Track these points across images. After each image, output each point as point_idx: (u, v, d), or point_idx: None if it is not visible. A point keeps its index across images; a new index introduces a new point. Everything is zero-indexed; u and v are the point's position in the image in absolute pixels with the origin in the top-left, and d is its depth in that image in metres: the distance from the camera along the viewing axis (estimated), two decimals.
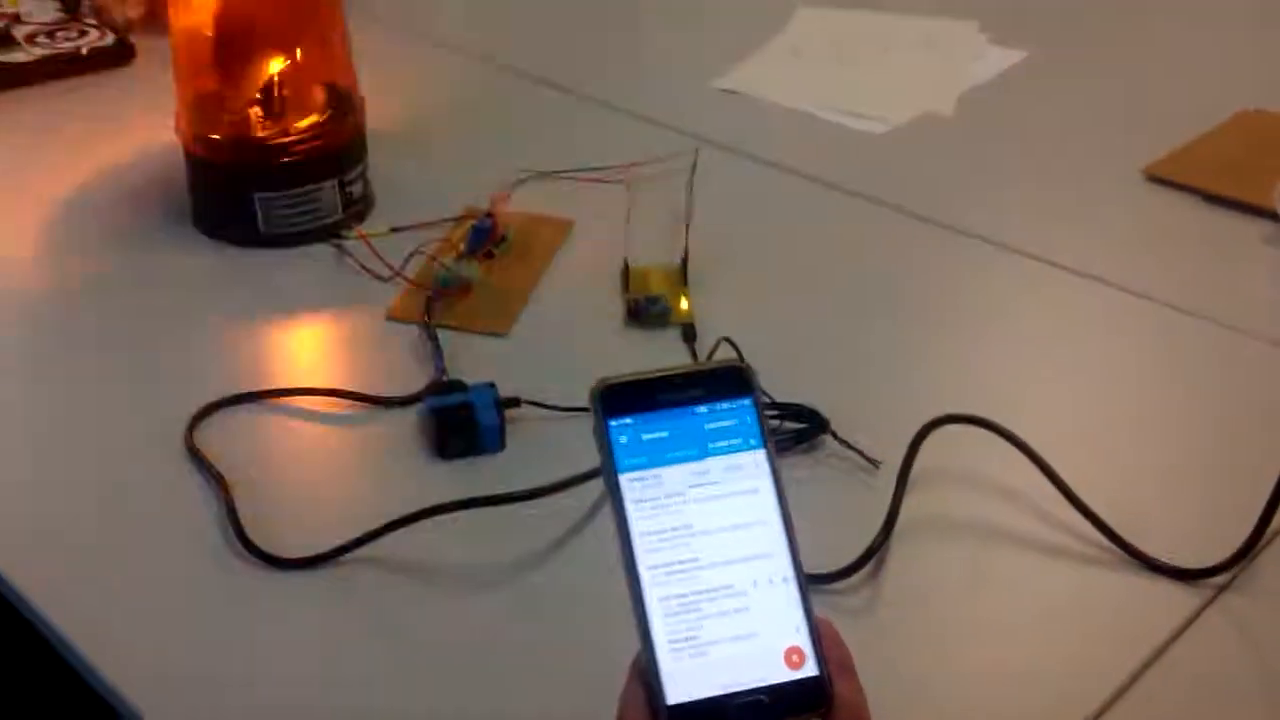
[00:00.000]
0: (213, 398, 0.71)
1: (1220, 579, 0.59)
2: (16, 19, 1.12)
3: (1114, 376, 0.74)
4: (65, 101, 1.05)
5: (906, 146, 0.99)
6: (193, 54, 0.86)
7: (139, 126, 0.98)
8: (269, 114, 0.85)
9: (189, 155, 0.87)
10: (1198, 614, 0.57)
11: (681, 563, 0.39)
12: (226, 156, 0.85)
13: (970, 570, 0.61)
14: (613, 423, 0.39)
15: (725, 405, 0.40)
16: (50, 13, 1.14)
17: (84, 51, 1.09)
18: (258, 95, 0.85)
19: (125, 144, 0.98)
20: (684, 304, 0.78)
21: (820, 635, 0.39)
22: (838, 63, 1.13)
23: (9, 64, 1.07)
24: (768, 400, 0.67)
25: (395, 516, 0.62)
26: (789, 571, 0.39)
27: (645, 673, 0.38)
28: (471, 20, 1.26)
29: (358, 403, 0.72)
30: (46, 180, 0.94)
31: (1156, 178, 0.92)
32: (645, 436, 0.39)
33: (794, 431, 0.66)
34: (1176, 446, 0.69)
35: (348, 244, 0.85)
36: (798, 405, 0.67)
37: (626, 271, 0.81)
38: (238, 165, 0.85)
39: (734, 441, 0.40)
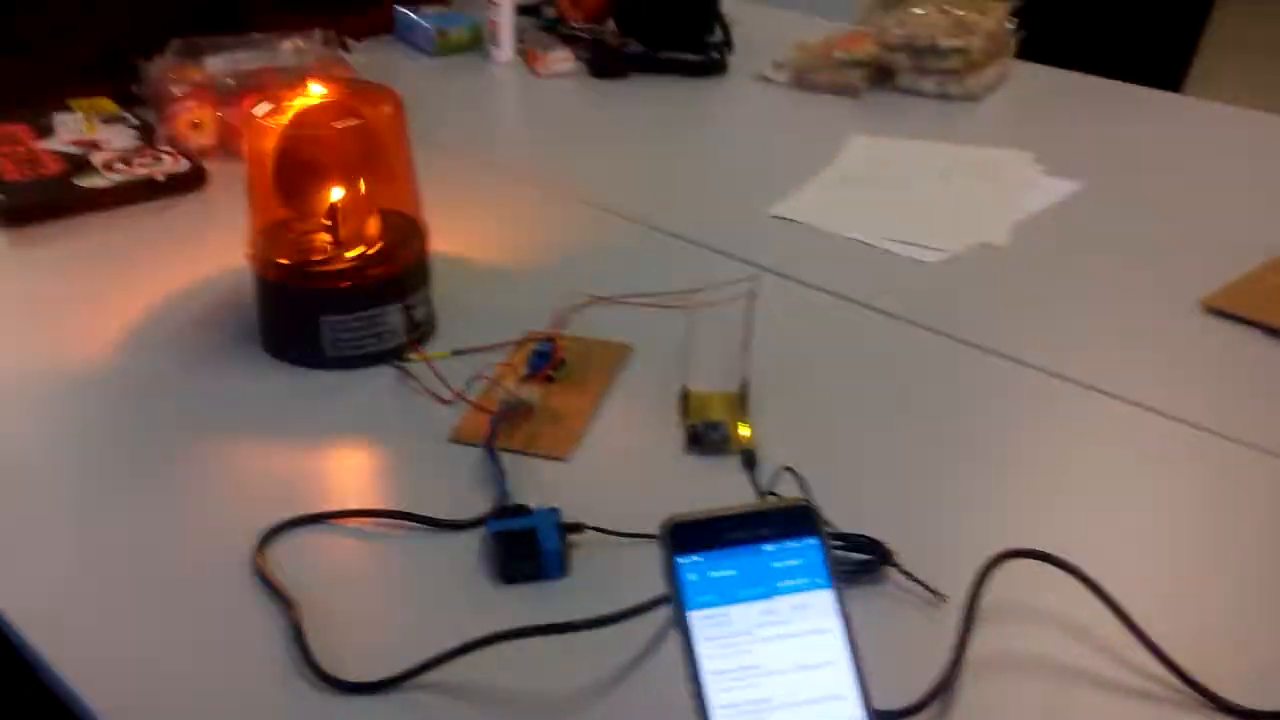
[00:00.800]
0: (279, 519, 0.74)
1: None
2: (95, 145, 1.19)
3: (1177, 510, 0.75)
4: (140, 225, 1.11)
5: (962, 275, 1.02)
6: (262, 182, 0.91)
7: (211, 250, 1.04)
8: (336, 240, 0.90)
9: (258, 279, 0.91)
10: None
11: (752, 703, 0.40)
12: (294, 281, 0.90)
13: (1040, 710, 0.61)
14: (682, 560, 0.41)
15: (792, 544, 0.42)
16: (127, 139, 1.21)
17: (159, 177, 1.15)
18: (325, 222, 0.90)
19: (197, 267, 1.03)
20: (744, 430, 0.80)
21: None
22: (891, 191, 1.17)
23: (87, 189, 1.13)
24: (831, 532, 0.68)
25: (459, 642, 0.64)
26: (859, 714, 0.41)
27: None
28: (534, 149, 1.32)
29: (421, 525, 0.74)
30: (121, 302, 0.99)
31: (1214, 309, 0.94)
32: (714, 574, 0.41)
33: (857, 562, 0.68)
34: (1243, 583, 0.69)
35: (411, 367, 0.89)
36: (860, 536, 0.68)
37: (686, 397, 0.84)
38: (305, 289, 0.89)
39: (801, 581, 0.42)
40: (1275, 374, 0.87)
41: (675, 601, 0.41)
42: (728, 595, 0.41)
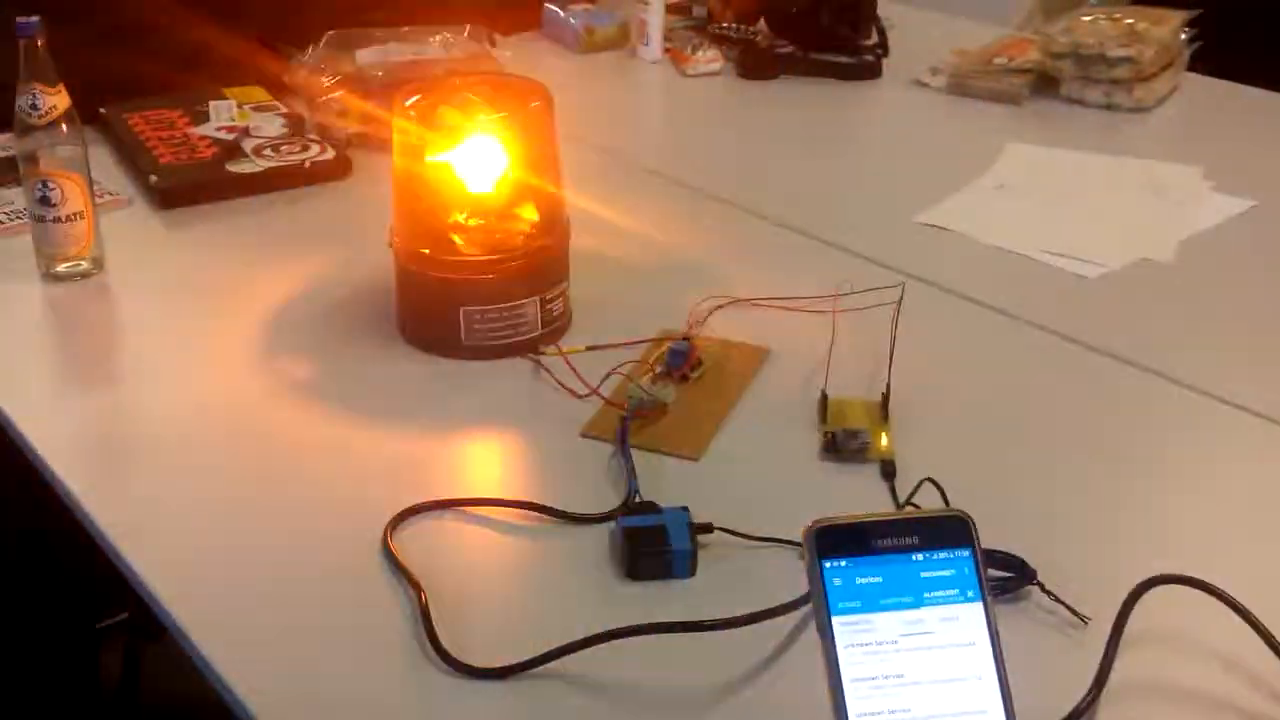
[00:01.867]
0: (411, 503, 0.76)
1: None
2: (246, 132, 1.25)
3: None
4: (288, 211, 1.17)
5: (1122, 291, 1.00)
6: (408, 173, 0.94)
7: (354, 237, 1.08)
8: (477, 232, 0.92)
9: (400, 266, 0.95)
10: None
11: (892, 712, 0.40)
12: (435, 270, 0.93)
13: None
14: (827, 564, 0.41)
15: (943, 554, 0.42)
16: (277, 128, 1.27)
17: (306, 164, 1.20)
18: (470, 215, 0.93)
19: (340, 253, 1.08)
20: (884, 440, 0.80)
21: None
22: (1047, 201, 1.15)
23: (238, 174, 1.19)
24: None
25: (583, 635, 0.65)
26: None
27: None
28: (678, 148, 1.34)
29: (550, 517, 0.76)
30: (267, 284, 1.04)
31: None
32: (860, 580, 0.41)
33: (999, 580, 0.67)
34: None
35: (546, 360, 0.91)
36: (1004, 553, 0.68)
37: (825, 403, 0.84)
38: (446, 281, 0.92)
39: (951, 592, 0.41)
40: None
41: (819, 605, 0.41)
42: (873, 602, 0.41)
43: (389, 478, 0.80)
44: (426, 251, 0.93)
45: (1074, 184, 1.18)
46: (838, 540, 0.41)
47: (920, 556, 0.42)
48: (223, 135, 1.25)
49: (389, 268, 0.96)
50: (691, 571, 0.71)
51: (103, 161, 1.21)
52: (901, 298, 0.91)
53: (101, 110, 1.29)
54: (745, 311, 0.97)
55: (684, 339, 0.91)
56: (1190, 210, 1.11)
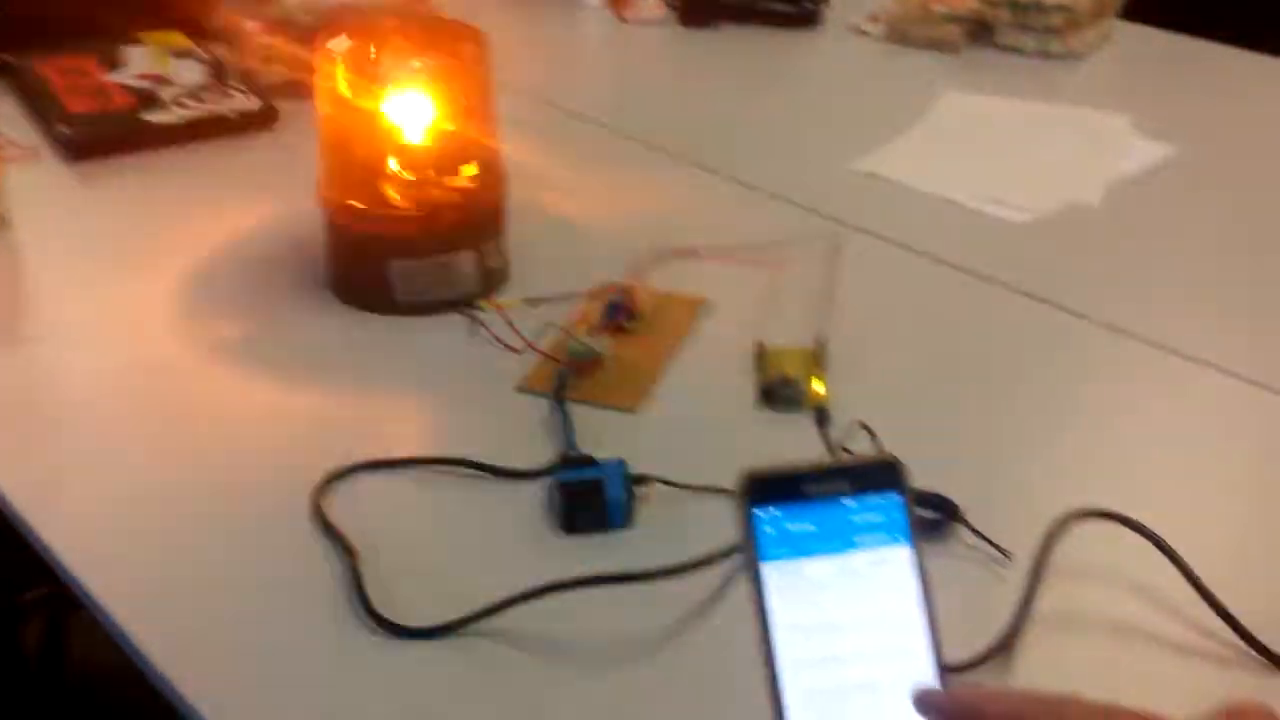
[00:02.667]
0: (342, 464, 0.77)
1: None
2: (165, 80, 1.23)
3: (1254, 474, 0.77)
4: (209, 164, 1.15)
5: (1050, 236, 1.03)
6: (336, 120, 0.93)
7: (280, 190, 1.07)
8: (409, 184, 0.92)
9: (328, 221, 0.94)
10: None
11: (822, 657, 0.41)
12: (365, 224, 0.92)
13: (1103, 668, 0.63)
14: (758, 512, 0.42)
15: (873, 499, 0.42)
16: (198, 75, 1.24)
17: (230, 114, 1.19)
18: (400, 164, 0.92)
19: (266, 207, 1.07)
20: (818, 388, 0.82)
21: None
22: (981, 149, 1.17)
23: (156, 124, 1.17)
24: None
25: (520, 590, 0.66)
26: (931, 671, 0.42)
27: None
28: (617, 97, 1.34)
29: (485, 474, 0.77)
30: (188, 241, 1.03)
31: None
32: (790, 527, 0.42)
33: (927, 520, 0.70)
34: None
35: (482, 315, 0.91)
36: (930, 493, 0.71)
37: (761, 353, 0.85)
38: (376, 234, 0.92)
39: (880, 536, 0.42)
40: None
41: (748, 554, 0.41)
42: (803, 549, 0.42)
43: (319, 439, 0.80)
44: (356, 204, 0.93)
45: (1007, 132, 1.20)
46: (768, 488, 0.42)
47: (851, 502, 0.42)
48: (139, 83, 1.22)
49: (318, 222, 0.95)
50: (629, 523, 0.72)
51: (7, 113, 1.19)
52: (838, 246, 0.92)
53: (5, 57, 1.26)
54: (683, 262, 0.98)
55: (621, 291, 0.92)
56: (1118, 157, 1.15)
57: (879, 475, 0.43)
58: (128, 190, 1.11)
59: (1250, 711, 0.38)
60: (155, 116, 1.18)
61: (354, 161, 0.94)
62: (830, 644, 0.41)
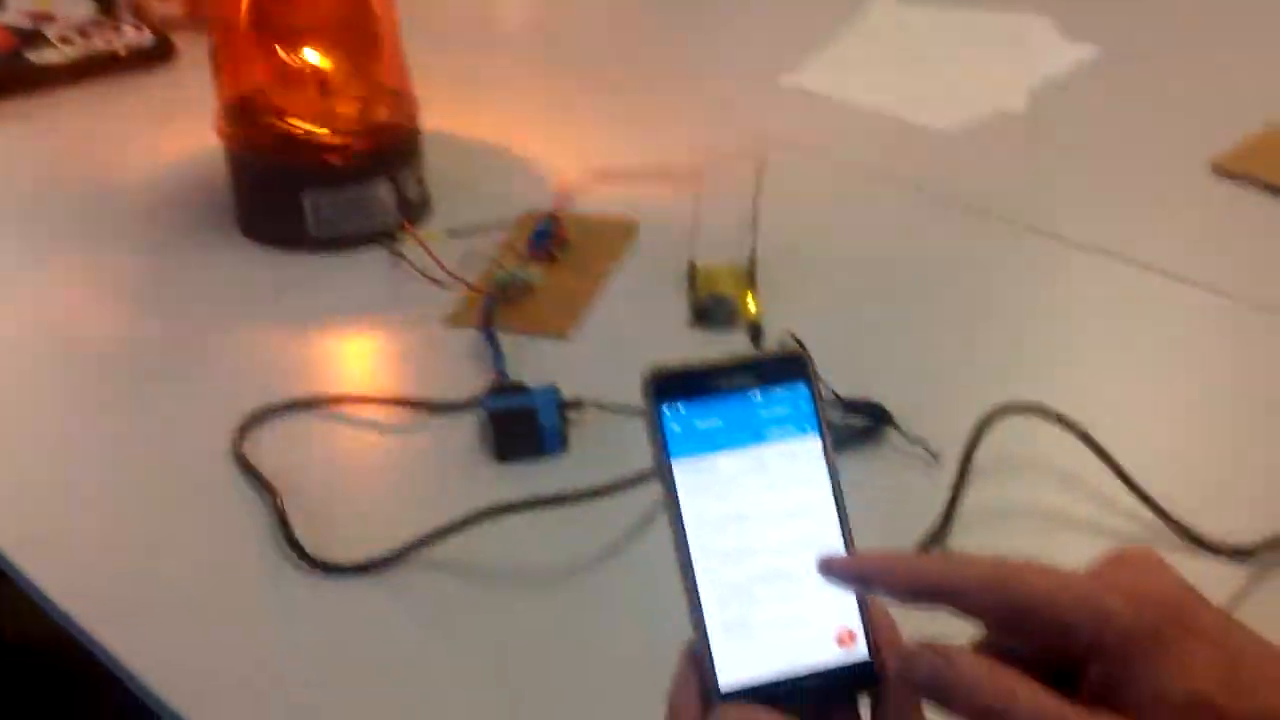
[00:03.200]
0: (262, 406, 0.75)
1: (1270, 556, 0.64)
2: (48, 17, 1.18)
3: (1176, 367, 0.79)
4: (102, 104, 1.11)
5: (977, 143, 1.04)
6: (233, 49, 0.90)
7: (180, 128, 1.03)
8: (316, 110, 0.89)
9: (232, 156, 0.91)
10: (1248, 589, 0.63)
11: (734, 550, 0.41)
12: (272, 156, 0.90)
13: (1029, 555, 0.63)
14: (666, 409, 0.42)
15: (781, 392, 0.42)
16: (85, 10, 1.20)
17: (121, 51, 1.15)
18: (304, 91, 0.90)
19: (166, 147, 1.03)
20: (751, 304, 0.81)
21: (871, 616, 0.41)
22: (908, 58, 1.17)
23: (43, 65, 1.12)
24: (832, 395, 0.71)
25: (453, 520, 0.65)
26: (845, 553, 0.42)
27: (697, 659, 0.40)
28: (532, 18, 1.31)
29: (415, 409, 0.75)
30: (83, 186, 0.99)
31: (1223, 171, 0.97)
32: (699, 424, 0.42)
33: (858, 427, 0.71)
34: (1234, 433, 0.74)
35: (403, 248, 0.89)
36: (862, 400, 0.72)
37: (693, 272, 0.85)
38: (284, 165, 0.89)
39: (789, 428, 0.42)
40: (1277, 233, 0.91)
41: (657, 451, 0.42)
42: (712, 444, 0.42)
43: (237, 382, 0.78)
44: (259, 136, 0.90)
45: (931, 39, 1.21)
46: (675, 385, 0.42)
47: (758, 396, 0.42)
48: (21, 22, 1.18)
49: (222, 160, 0.92)
50: (564, 448, 0.71)
51: None
52: (763, 159, 0.92)
53: None
54: (612, 185, 0.96)
55: (549, 217, 0.90)
56: (1040, 60, 1.15)
57: (786, 368, 0.43)
58: (16, 135, 1.07)
59: (1131, 555, 0.39)
60: (41, 57, 1.13)
61: (253, 92, 0.91)
62: (743, 537, 0.41)
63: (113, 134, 1.06)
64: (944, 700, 0.38)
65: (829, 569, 0.40)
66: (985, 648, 0.39)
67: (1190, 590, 0.38)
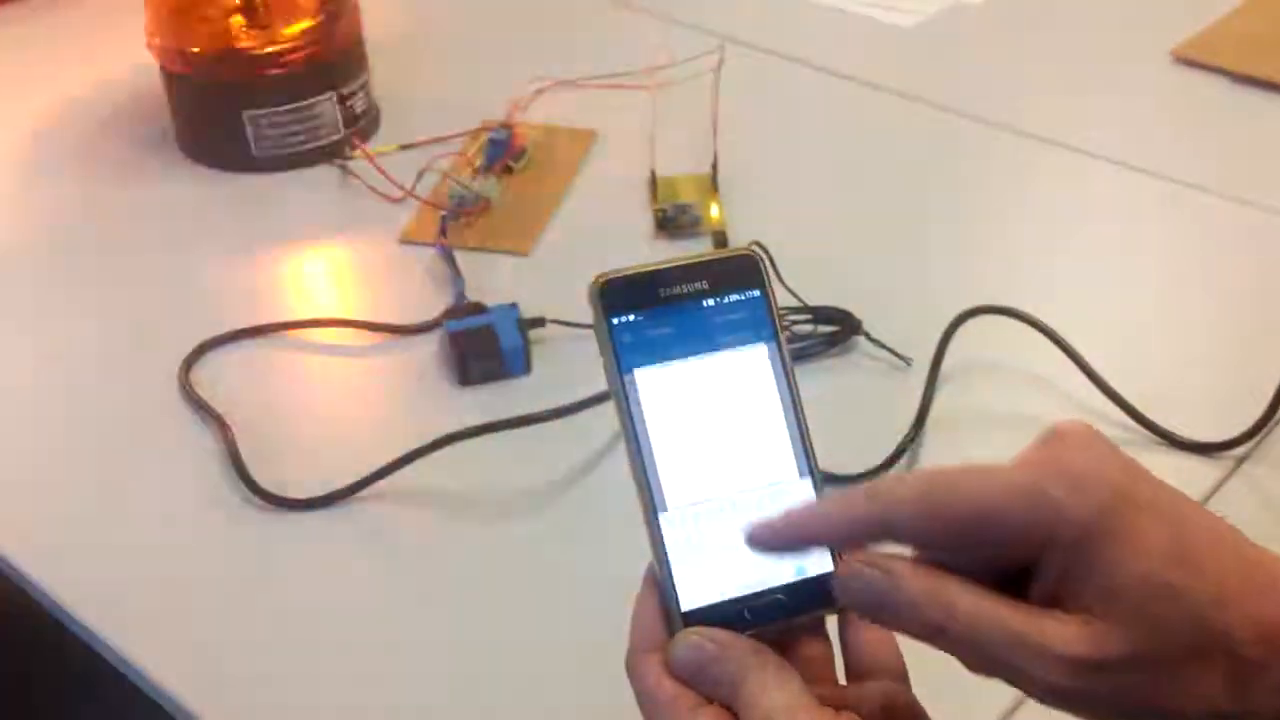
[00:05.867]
0: (210, 334, 0.72)
1: (1240, 450, 0.64)
2: None
3: (1142, 261, 0.78)
4: (26, 21, 1.06)
5: (936, 38, 1.01)
6: None
7: (112, 45, 0.99)
8: (253, 21, 0.85)
9: (166, 73, 0.88)
10: (1220, 484, 0.63)
11: (692, 467, 0.40)
12: (208, 71, 0.86)
13: (1001, 458, 0.62)
14: (615, 320, 0.40)
15: (735, 297, 0.41)
16: None
17: None
18: (238, 0, 0.85)
19: (98, 66, 0.99)
20: (715, 211, 0.79)
21: None
22: None
23: None
24: (799, 304, 0.70)
25: (414, 448, 0.63)
26: (803, 467, 0.41)
27: (658, 580, 0.39)
28: None
29: (372, 332, 0.73)
30: (10, 110, 0.95)
31: (1184, 59, 0.96)
32: (651, 333, 0.40)
33: (826, 334, 0.69)
34: (1204, 328, 0.73)
35: (352, 164, 0.86)
36: (829, 308, 0.70)
37: (654, 181, 0.82)
38: (222, 81, 0.86)
39: (744, 335, 0.41)
40: (1242, 122, 0.90)
41: (609, 365, 0.40)
42: (665, 354, 0.40)
43: (184, 310, 0.76)
44: (195, 50, 0.86)
45: None
46: (625, 293, 0.40)
47: (711, 302, 0.41)
48: None
49: (157, 77, 0.88)
50: (526, 369, 0.69)
51: None
52: (720, 61, 0.89)
53: None
54: (568, 92, 0.93)
55: (504, 127, 0.87)
56: None
57: (739, 271, 0.41)
58: None
59: (1070, 430, 0.37)
60: None
61: (185, 3, 0.86)
62: (701, 453, 0.40)
63: (40, 55, 1.02)
64: (880, 616, 0.37)
65: (758, 541, 0.38)
66: (925, 559, 0.37)
67: (1130, 462, 0.36)
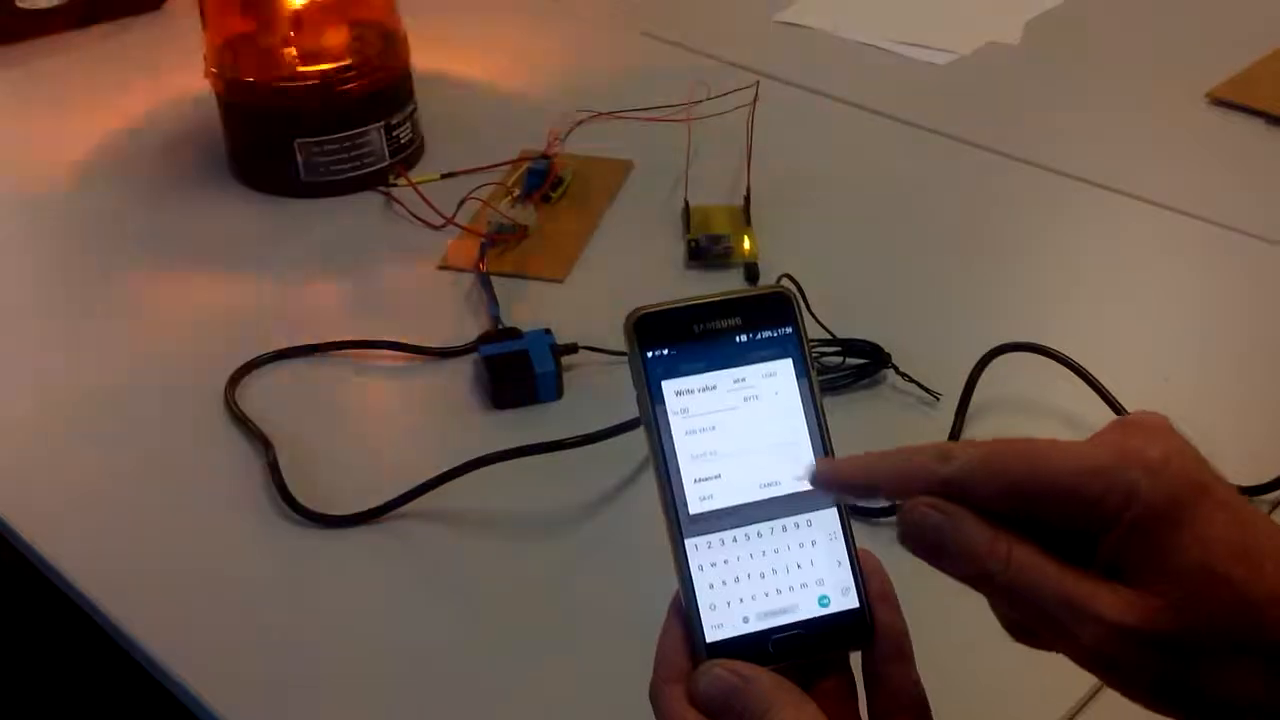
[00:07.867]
0: (255, 354, 0.74)
1: (1276, 495, 0.63)
2: None
3: (1176, 301, 0.78)
4: (93, 49, 1.10)
5: (971, 77, 1.02)
6: None
7: (172, 73, 1.03)
8: (306, 54, 0.88)
9: (222, 101, 0.90)
10: None
11: (722, 499, 0.40)
12: (262, 100, 0.88)
13: None
14: (650, 354, 0.41)
15: (767, 334, 0.42)
16: None
17: None
18: (292, 33, 0.88)
19: (157, 92, 1.02)
20: (747, 243, 0.81)
21: (862, 566, 0.41)
22: None
23: (31, 10, 1.11)
24: (830, 336, 0.71)
25: (448, 469, 0.64)
26: (830, 503, 0.41)
27: (684, 612, 0.40)
28: None
29: (409, 355, 0.75)
30: (75, 132, 0.99)
31: (1220, 100, 0.96)
32: (683, 367, 0.41)
33: (855, 367, 0.70)
34: (1237, 369, 0.73)
35: (396, 191, 0.88)
36: (859, 340, 0.71)
37: (688, 212, 0.84)
38: (275, 109, 0.88)
39: (775, 370, 0.41)
40: (1278, 163, 0.90)
41: (642, 398, 0.41)
42: (697, 387, 0.41)
43: (229, 330, 0.78)
44: (250, 80, 0.88)
45: None
46: (659, 327, 0.41)
47: (744, 338, 0.42)
48: None
49: (213, 105, 0.91)
50: (559, 394, 0.71)
51: None
52: (756, 97, 0.90)
53: None
54: (606, 125, 0.95)
55: (543, 158, 0.89)
56: None
57: (771, 308, 0.42)
58: (5, 82, 1.06)
59: (1142, 420, 0.38)
60: (29, 2, 1.11)
61: (243, 35, 0.90)
62: (731, 485, 0.41)
63: (106, 81, 1.06)
64: (936, 556, 0.37)
65: (822, 476, 0.39)
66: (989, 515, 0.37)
67: (1204, 458, 0.37)
